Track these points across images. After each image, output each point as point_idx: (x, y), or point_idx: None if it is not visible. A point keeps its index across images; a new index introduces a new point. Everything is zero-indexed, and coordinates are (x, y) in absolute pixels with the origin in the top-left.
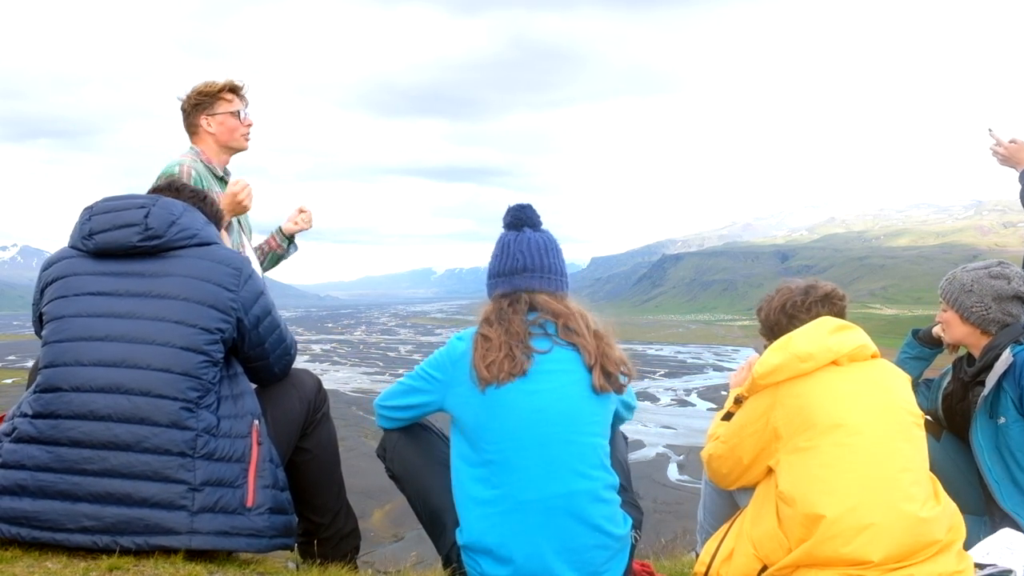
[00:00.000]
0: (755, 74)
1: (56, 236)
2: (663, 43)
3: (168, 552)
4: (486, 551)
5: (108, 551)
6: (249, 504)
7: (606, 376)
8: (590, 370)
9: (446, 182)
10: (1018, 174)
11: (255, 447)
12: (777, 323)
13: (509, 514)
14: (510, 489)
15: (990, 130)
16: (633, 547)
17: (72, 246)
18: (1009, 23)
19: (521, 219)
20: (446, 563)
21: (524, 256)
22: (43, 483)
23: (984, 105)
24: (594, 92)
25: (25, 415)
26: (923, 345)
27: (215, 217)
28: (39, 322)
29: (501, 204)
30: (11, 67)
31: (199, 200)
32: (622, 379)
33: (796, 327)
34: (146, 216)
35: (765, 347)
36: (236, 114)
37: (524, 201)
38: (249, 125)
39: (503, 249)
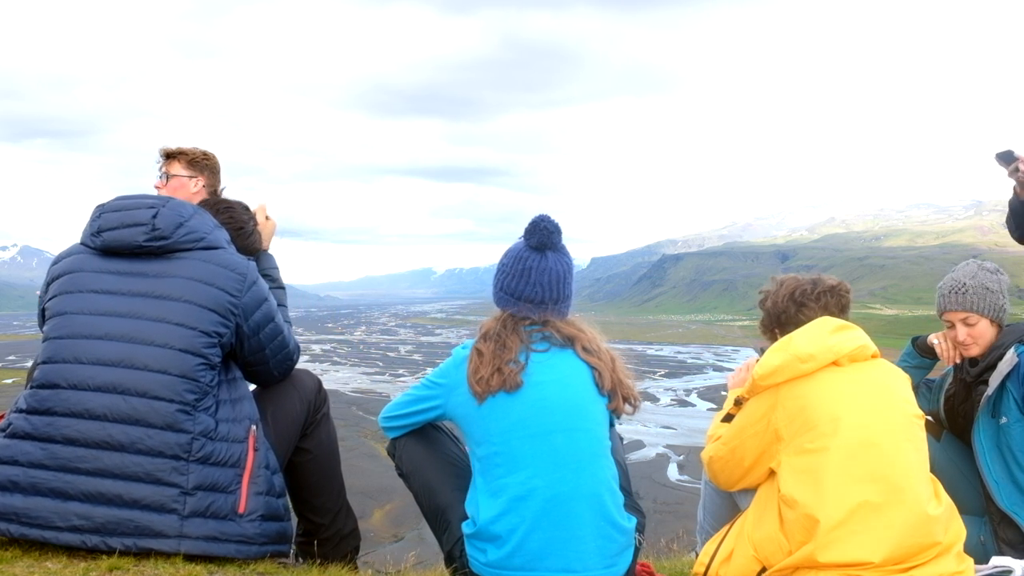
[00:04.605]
0: (754, 73)
1: (56, 236)
2: (659, 42)
3: (167, 553)
4: (493, 538)
5: (97, 551)
6: (241, 510)
7: (617, 403)
8: (607, 396)
9: (444, 182)
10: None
11: (251, 452)
12: (785, 311)
13: (517, 502)
14: (517, 478)
15: (1011, 151)
16: (637, 550)
17: (82, 243)
18: (1009, 23)
19: (545, 244)
20: (448, 560)
21: (544, 289)
22: (36, 480)
23: (984, 105)
24: (591, 92)
25: (21, 411)
26: (922, 355)
27: (247, 249)
28: (42, 316)
29: (500, 204)
30: (7, 67)
31: (235, 228)
32: (628, 409)
33: (805, 315)
34: (154, 216)
35: (762, 350)
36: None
37: (526, 202)
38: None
39: (524, 273)
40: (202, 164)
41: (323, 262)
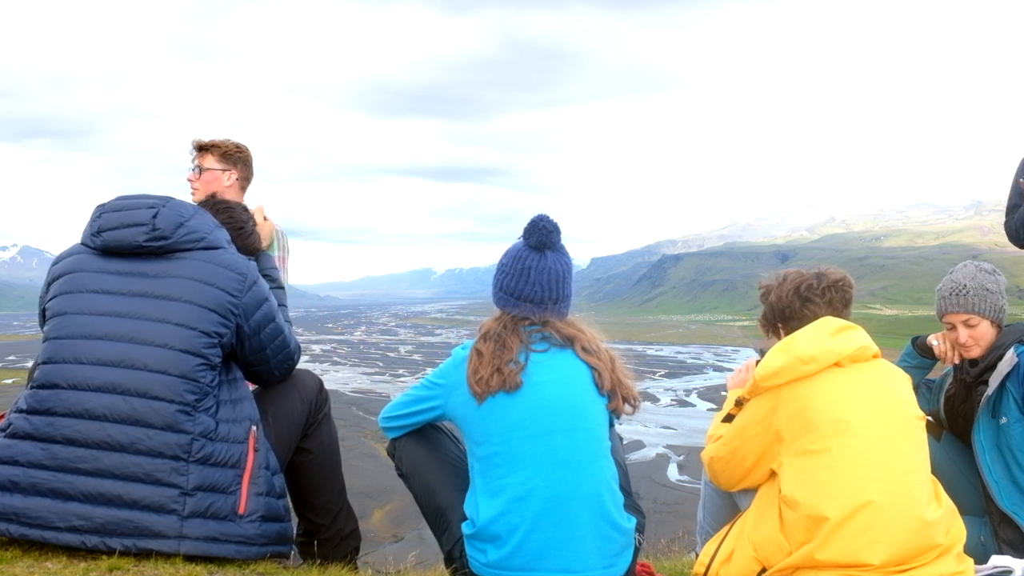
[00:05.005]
0: (753, 73)
1: (56, 236)
2: (659, 42)
3: (167, 553)
4: (493, 538)
5: (97, 552)
6: (241, 511)
7: (617, 403)
8: (606, 396)
9: (444, 182)
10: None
11: (251, 453)
12: (790, 306)
13: (517, 502)
14: (517, 478)
15: None
16: (637, 550)
17: (82, 243)
18: (1009, 23)
19: (545, 244)
20: (448, 560)
21: (544, 289)
22: (36, 480)
23: (984, 106)
24: (591, 92)
25: (21, 411)
26: (922, 355)
27: (247, 249)
28: (42, 316)
29: (500, 204)
30: (7, 67)
31: (234, 228)
32: (628, 409)
33: (810, 311)
34: (154, 216)
35: (762, 351)
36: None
37: (526, 202)
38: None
39: (523, 273)
40: (235, 157)
41: (323, 262)
